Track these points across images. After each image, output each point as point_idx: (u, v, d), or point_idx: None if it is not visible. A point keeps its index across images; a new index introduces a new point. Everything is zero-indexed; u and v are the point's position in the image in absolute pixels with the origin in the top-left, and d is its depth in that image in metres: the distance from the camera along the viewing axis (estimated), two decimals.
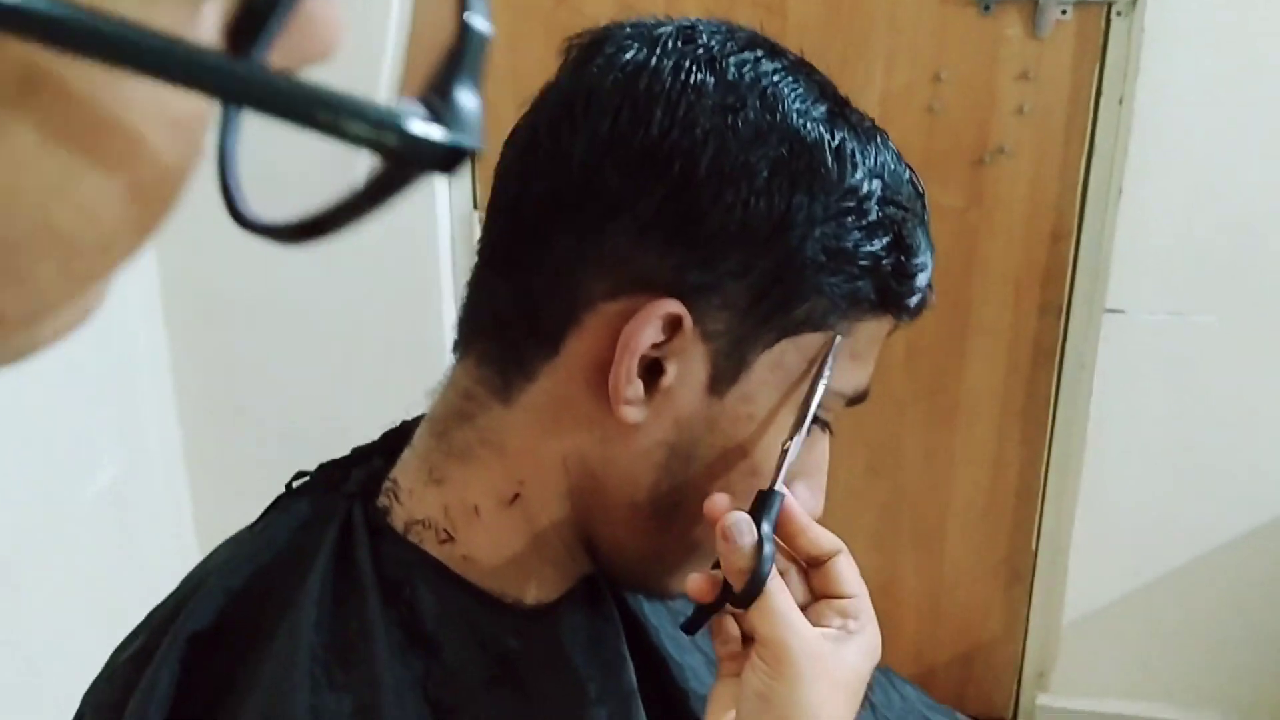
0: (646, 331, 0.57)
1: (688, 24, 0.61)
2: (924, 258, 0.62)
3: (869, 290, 0.60)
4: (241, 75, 0.23)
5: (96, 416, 1.83)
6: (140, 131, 0.22)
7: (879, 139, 0.61)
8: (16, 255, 0.22)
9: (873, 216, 0.59)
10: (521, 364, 0.60)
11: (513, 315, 0.61)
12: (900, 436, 1.99)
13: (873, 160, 0.60)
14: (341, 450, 0.70)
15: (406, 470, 0.64)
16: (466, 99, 0.24)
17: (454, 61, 0.24)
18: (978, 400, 1.96)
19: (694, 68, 0.58)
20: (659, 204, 0.56)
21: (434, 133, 0.23)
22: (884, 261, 0.60)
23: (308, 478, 0.68)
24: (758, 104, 0.57)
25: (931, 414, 1.97)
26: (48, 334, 0.26)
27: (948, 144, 1.81)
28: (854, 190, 0.59)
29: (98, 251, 0.24)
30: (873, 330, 0.63)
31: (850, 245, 0.59)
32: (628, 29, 0.60)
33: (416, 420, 0.68)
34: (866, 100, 1.77)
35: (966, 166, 1.81)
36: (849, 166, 0.59)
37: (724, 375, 0.59)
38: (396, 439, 0.68)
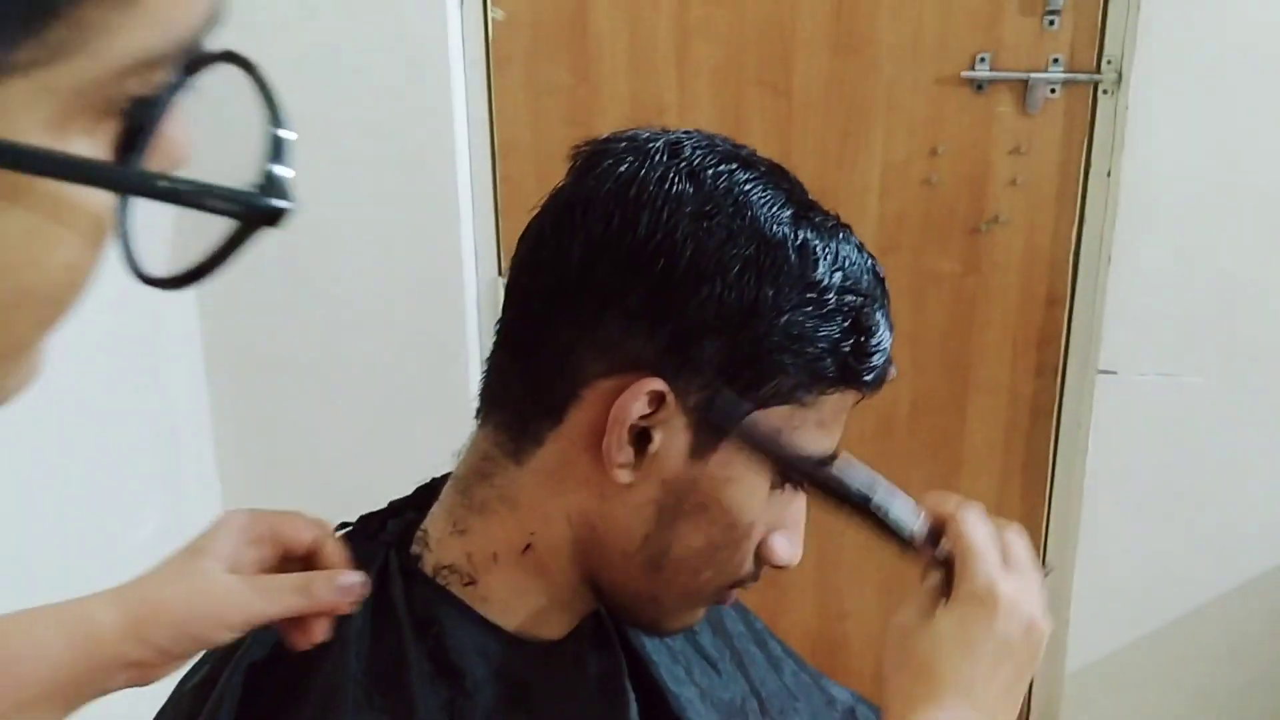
0: (634, 405, 0.66)
1: (675, 138, 0.70)
2: (881, 338, 0.70)
3: (830, 368, 0.68)
4: (132, 176, 0.36)
5: (141, 469, 1.94)
6: (74, 217, 0.35)
7: (841, 235, 0.70)
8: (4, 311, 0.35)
9: (832, 304, 0.68)
10: (530, 431, 0.70)
11: (522, 390, 0.70)
12: (906, 490, 2.06)
13: (834, 255, 0.68)
14: (370, 501, 0.80)
15: (435, 522, 0.75)
16: (283, 176, 0.36)
17: (273, 155, 0.37)
18: (980, 456, 2.04)
19: (676, 178, 0.67)
20: (644, 296, 0.66)
21: (266, 201, 0.36)
22: (843, 344, 0.68)
23: (350, 527, 0.79)
24: (730, 209, 0.67)
25: (935, 470, 2.05)
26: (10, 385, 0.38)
27: (945, 213, 1.91)
28: (815, 283, 0.67)
29: (52, 304, 0.36)
30: (836, 402, 0.71)
31: (812, 330, 0.67)
32: (623, 142, 0.70)
33: (444, 477, 0.78)
34: (867, 172, 1.90)
35: (963, 235, 1.91)
36: (810, 261, 0.67)
37: (704, 443, 0.68)
38: (427, 494, 0.78)
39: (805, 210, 0.70)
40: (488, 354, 0.74)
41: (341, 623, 0.70)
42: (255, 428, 2.10)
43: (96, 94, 0.33)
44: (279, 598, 0.67)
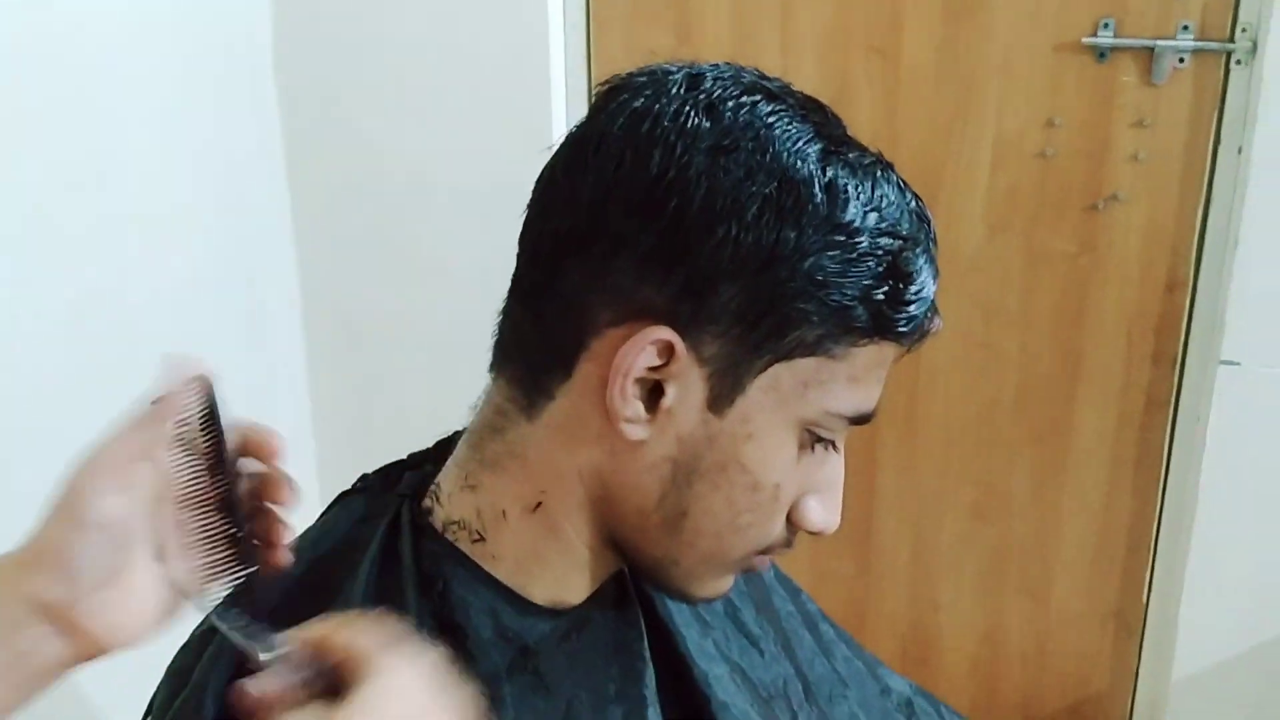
0: (640, 357, 0.62)
1: (697, 70, 0.66)
2: (921, 285, 0.65)
3: (862, 317, 0.63)
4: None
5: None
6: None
7: (879, 172, 0.65)
8: None
9: (864, 247, 0.62)
10: (541, 384, 0.67)
11: (533, 340, 0.67)
12: (1009, 481, 1.98)
13: (868, 194, 0.63)
14: None
15: (448, 476, 0.72)
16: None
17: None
18: (1088, 448, 1.94)
19: (693, 112, 0.63)
20: (656, 239, 0.61)
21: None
22: (875, 291, 0.63)
23: (369, 478, 0.76)
24: (750, 145, 0.62)
25: (1041, 460, 1.96)
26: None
27: (1060, 189, 1.81)
28: (844, 224, 0.62)
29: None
30: (871, 355, 0.65)
31: (839, 275, 0.62)
32: (642, 77, 0.66)
33: (464, 431, 0.75)
34: (978, 144, 1.81)
35: (1079, 212, 1.82)
36: (840, 201, 0.62)
37: (721, 396, 0.64)
38: (447, 447, 0.75)
39: (837, 145, 0.65)
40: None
41: (347, 576, 0.68)
42: (353, 396, 2.11)
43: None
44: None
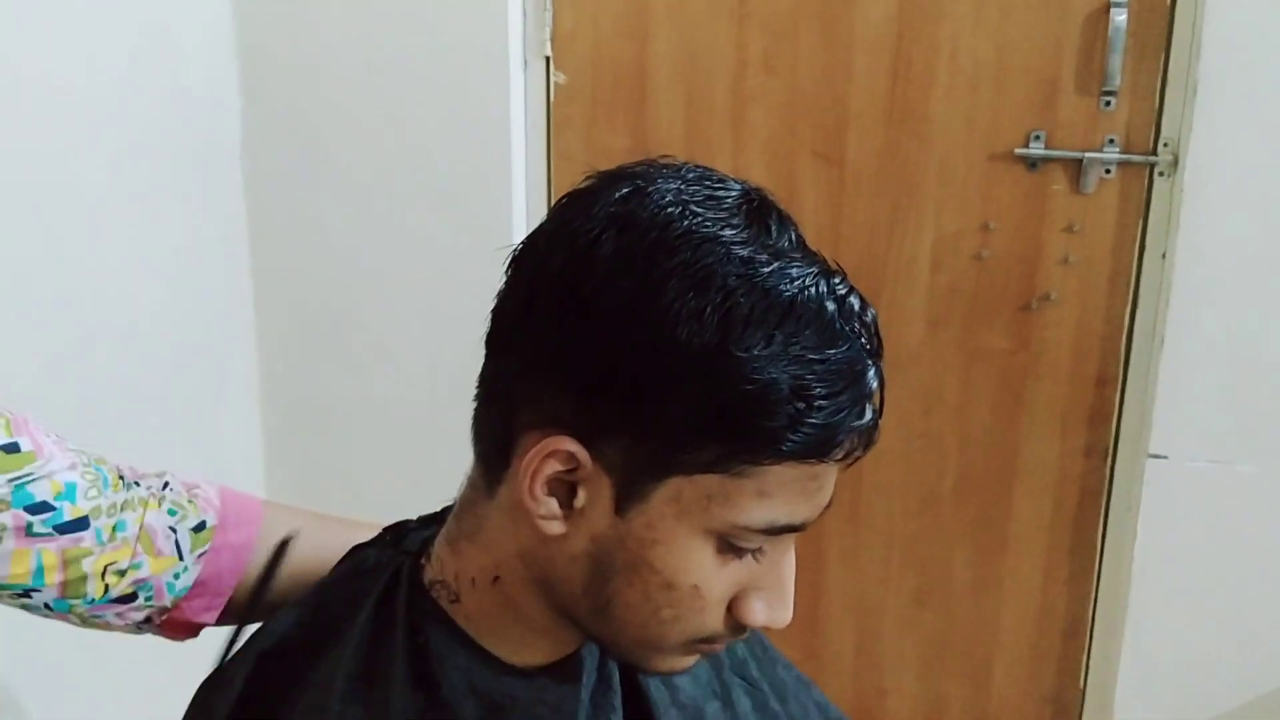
0: (545, 464, 0.66)
1: (641, 183, 0.66)
2: (827, 405, 0.62)
3: (760, 439, 0.62)
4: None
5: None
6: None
7: (813, 289, 0.63)
8: None
9: (758, 374, 0.61)
10: (493, 467, 0.71)
11: (485, 425, 0.71)
12: (949, 568, 2.05)
13: (778, 317, 0.62)
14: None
15: (439, 539, 0.77)
16: None
17: None
18: (1026, 537, 2.01)
19: (606, 228, 0.64)
20: (558, 348, 0.65)
21: None
22: (774, 413, 0.62)
23: (385, 533, 0.83)
24: (650, 262, 0.63)
25: (979, 549, 2.03)
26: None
27: (996, 289, 1.90)
28: (740, 352, 0.61)
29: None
30: (785, 472, 0.64)
31: (736, 401, 0.62)
32: (596, 179, 0.68)
33: None
34: (918, 245, 1.90)
35: (1014, 311, 1.90)
36: (738, 326, 0.61)
37: (626, 502, 0.66)
38: (448, 512, 0.81)
39: (762, 264, 0.63)
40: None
41: (347, 621, 0.74)
42: (306, 466, 2.13)
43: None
44: None
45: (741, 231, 0.65)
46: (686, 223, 0.64)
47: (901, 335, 1.94)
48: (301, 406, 2.10)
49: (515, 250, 0.70)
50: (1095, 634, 2.02)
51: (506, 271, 0.70)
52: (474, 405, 0.73)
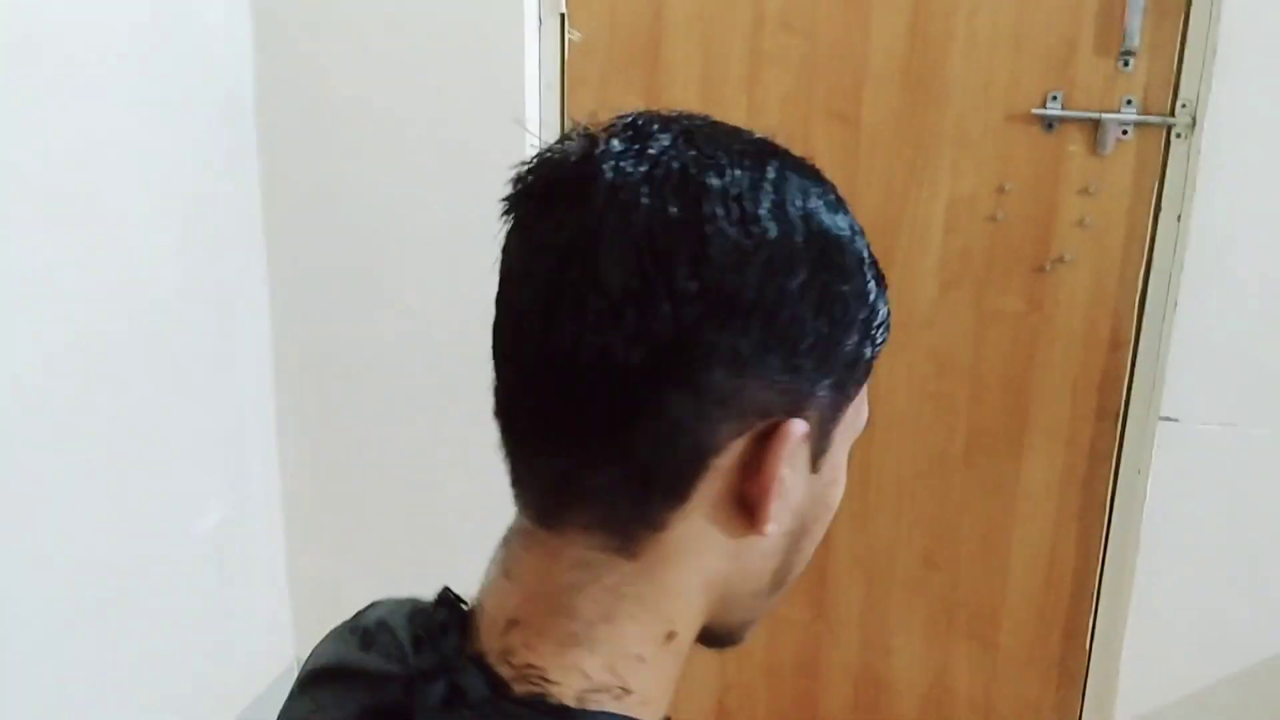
0: (790, 459, 0.61)
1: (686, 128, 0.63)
2: (886, 308, 0.67)
3: (880, 334, 0.65)
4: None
5: (206, 461, 1.99)
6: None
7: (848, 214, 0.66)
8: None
9: (871, 277, 0.64)
10: (646, 519, 0.62)
11: (618, 482, 0.61)
12: (958, 530, 2.06)
13: (862, 236, 0.65)
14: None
15: (541, 655, 0.64)
16: None
17: None
18: (1035, 499, 2.02)
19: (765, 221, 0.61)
20: (755, 340, 0.59)
21: None
22: (877, 314, 0.64)
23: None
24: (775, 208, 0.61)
25: (989, 510, 2.04)
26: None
27: (1010, 251, 1.90)
28: (870, 262, 0.64)
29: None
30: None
31: (870, 302, 0.64)
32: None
33: (446, 619, 0.67)
34: (933, 206, 1.90)
35: (1028, 273, 1.90)
36: (851, 244, 0.64)
37: (820, 456, 0.65)
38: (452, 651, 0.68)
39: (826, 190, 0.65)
40: (514, 456, 0.65)
41: None
42: (319, 423, 2.15)
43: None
44: None
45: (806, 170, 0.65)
46: (779, 165, 0.62)
47: (915, 296, 1.94)
48: (315, 363, 2.11)
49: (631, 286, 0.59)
50: (1103, 596, 2.03)
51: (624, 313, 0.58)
52: (536, 476, 0.64)
